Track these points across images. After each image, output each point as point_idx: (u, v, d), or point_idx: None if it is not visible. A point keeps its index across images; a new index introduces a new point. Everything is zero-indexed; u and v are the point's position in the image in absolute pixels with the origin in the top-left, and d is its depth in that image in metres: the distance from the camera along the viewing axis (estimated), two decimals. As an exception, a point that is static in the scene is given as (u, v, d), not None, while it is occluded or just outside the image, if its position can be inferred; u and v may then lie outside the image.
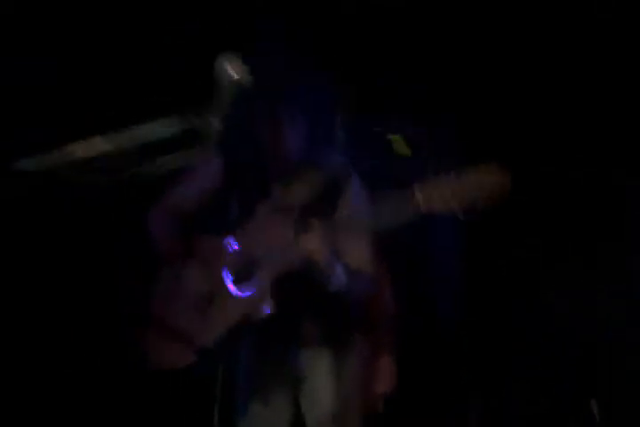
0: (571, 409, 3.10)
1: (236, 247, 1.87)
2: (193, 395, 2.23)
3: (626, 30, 2.94)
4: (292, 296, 1.79)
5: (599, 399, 2.99)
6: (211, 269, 1.86)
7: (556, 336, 3.20)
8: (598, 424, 2.95)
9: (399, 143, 3.16)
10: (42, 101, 2.40)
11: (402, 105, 3.23)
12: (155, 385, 2.13)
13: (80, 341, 2.48)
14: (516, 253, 3.32)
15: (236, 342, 1.88)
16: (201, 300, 1.85)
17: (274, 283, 1.74)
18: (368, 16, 2.99)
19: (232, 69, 1.02)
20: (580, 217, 3.22)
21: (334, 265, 1.73)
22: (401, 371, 2.30)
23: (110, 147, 0.79)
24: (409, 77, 3.19)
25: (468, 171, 1.54)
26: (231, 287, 1.82)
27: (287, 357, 1.95)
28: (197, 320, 1.82)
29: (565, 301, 3.16)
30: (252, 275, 1.77)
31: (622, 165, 3.16)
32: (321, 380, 1.95)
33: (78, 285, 2.54)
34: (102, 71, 2.47)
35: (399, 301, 2.35)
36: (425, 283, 3.23)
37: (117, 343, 2.45)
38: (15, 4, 2.31)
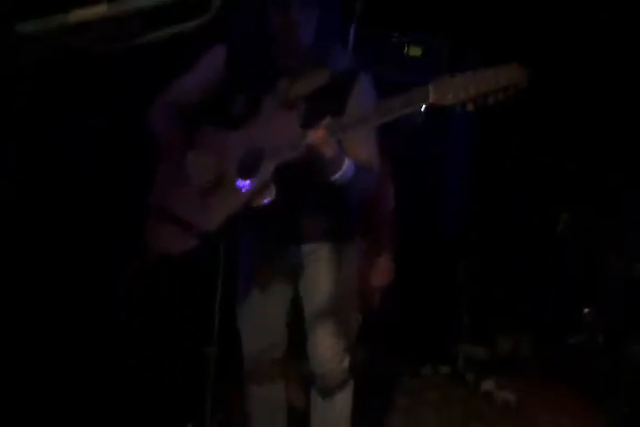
0: (565, 318, 3.22)
1: (241, 139, 1.88)
2: (195, 283, 2.31)
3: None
4: (295, 188, 1.81)
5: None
6: (214, 159, 1.87)
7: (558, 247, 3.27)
8: (592, 334, 3.07)
9: (412, 46, 3.09)
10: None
11: (419, 18, 3.14)
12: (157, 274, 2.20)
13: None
14: (525, 156, 3.33)
15: (237, 229, 1.93)
16: (203, 188, 1.87)
17: (277, 174, 1.76)
18: None
19: None
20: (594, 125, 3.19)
21: (342, 159, 1.72)
22: (400, 269, 2.38)
23: (112, 12, 0.79)
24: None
25: (485, 68, 1.50)
26: (234, 177, 1.84)
27: (288, 246, 2.00)
28: (200, 208, 1.86)
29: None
30: (256, 167, 1.78)
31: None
32: (320, 270, 2.01)
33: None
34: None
35: (401, 200, 2.39)
36: (430, 183, 3.25)
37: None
38: None
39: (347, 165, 1.73)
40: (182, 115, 2.00)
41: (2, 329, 2.24)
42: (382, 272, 2.34)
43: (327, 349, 2.05)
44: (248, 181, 1.79)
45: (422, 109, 1.58)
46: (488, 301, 3.35)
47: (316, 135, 1.64)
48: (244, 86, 1.93)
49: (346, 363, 2.09)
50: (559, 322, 3.24)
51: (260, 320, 2.09)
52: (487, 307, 3.34)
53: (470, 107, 1.52)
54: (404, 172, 2.47)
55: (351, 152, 1.80)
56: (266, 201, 1.76)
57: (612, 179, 3.20)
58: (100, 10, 0.85)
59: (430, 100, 1.54)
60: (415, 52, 3.07)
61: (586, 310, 3.19)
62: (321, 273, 2.02)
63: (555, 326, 3.25)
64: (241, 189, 1.80)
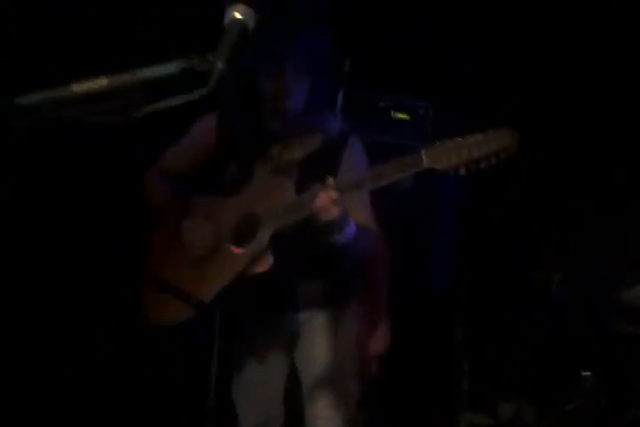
0: (563, 377, 3.16)
1: (235, 206, 1.87)
2: (190, 351, 2.25)
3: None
4: (292, 255, 1.79)
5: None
6: (209, 227, 1.86)
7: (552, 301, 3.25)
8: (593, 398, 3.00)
9: (398, 111, 3.16)
10: (48, 40, 2.40)
11: (404, 79, 3.23)
12: (152, 341, 2.15)
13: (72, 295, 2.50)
14: (517, 217, 3.35)
15: (233, 298, 1.89)
16: (199, 257, 1.85)
17: (273, 241, 1.74)
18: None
19: (238, 10, 1.01)
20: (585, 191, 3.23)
21: (347, 218, 1.70)
22: (395, 333, 2.33)
23: (112, 86, 0.79)
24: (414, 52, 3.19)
25: (475, 133, 1.52)
26: (230, 245, 1.82)
27: (284, 315, 1.96)
28: (195, 277, 1.83)
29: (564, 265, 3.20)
30: (252, 234, 1.77)
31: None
32: (317, 339, 1.96)
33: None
34: (108, 12, 2.46)
35: (396, 263, 2.36)
36: (422, 246, 3.25)
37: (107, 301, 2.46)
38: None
39: (349, 225, 1.72)
40: (175, 184, 1.99)
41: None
42: (380, 339, 2.28)
43: (327, 421, 1.96)
44: (244, 250, 1.76)
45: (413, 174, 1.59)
46: (486, 365, 3.28)
47: (327, 195, 1.63)
48: (235, 153, 1.94)
49: (346, 437, 2.00)
50: (560, 386, 3.17)
51: (257, 393, 2.02)
52: (486, 372, 3.26)
53: (462, 171, 1.53)
54: (392, 234, 2.46)
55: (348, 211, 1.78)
56: (264, 269, 1.73)
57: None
58: (100, 83, 0.84)
59: (424, 165, 1.55)
60: (401, 116, 3.13)
61: (585, 374, 3.13)
62: (318, 342, 1.97)
63: (556, 390, 3.18)
64: (237, 257, 1.77)
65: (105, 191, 2.55)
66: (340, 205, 1.64)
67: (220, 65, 0.91)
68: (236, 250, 1.79)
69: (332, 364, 1.95)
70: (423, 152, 1.55)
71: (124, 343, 2.32)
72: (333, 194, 1.62)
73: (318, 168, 1.85)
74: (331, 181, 1.66)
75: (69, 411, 2.39)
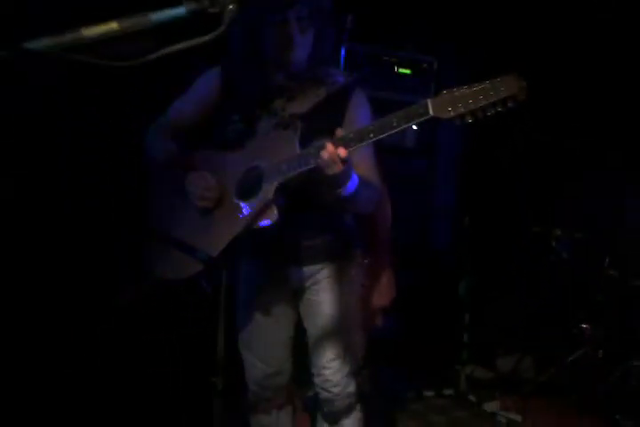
0: (562, 330, 3.20)
1: (240, 160, 1.85)
2: (197, 305, 2.28)
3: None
4: (296, 208, 1.79)
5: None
6: (214, 180, 1.85)
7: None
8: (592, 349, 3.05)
9: (402, 66, 3.12)
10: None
11: (407, 35, 3.18)
12: (158, 294, 2.17)
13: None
14: (519, 173, 3.35)
15: (239, 251, 1.90)
16: (204, 210, 1.85)
17: (278, 195, 1.73)
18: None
19: None
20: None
21: (351, 171, 1.68)
22: (398, 287, 2.35)
23: (123, 30, 0.77)
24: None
25: (482, 81, 1.50)
26: (235, 198, 1.82)
27: (288, 268, 1.97)
28: (201, 231, 1.83)
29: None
30: (256, 188, 1.76)
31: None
32: (321, 292, 1.97)
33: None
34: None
35: (399, 217, 2.37)
36: (425, 200, 3.25)
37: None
38: None
39: (352, 179, 1.71)
40: (179, 138, 1.97)
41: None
42: (384, 291, 2.30)
43: (333, 373, 2.00)
44: (248, 203, 1.76)
45: (416, 128, 1.57)
46: (487, 318, 3.33)
47: (334, 150, 1.61)
48: (239, 107, 1.92)
49: (352, 387, 2.04)
50: (560, 339, 3.22)
51: (264, 346, 2.04)
52: (487, 325, 3.31)
53: (469, 119, 1.51)
54: (396, 188, 2.46)
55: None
56: (267, 223, 1.73)
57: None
58: (111, 26, 0.83)
59: (431, 113, 1.53)
60: (404, 71, 3.10)
61: (584, 326, 3.17)
62: (322, 295, 1.98)
63: (555, 343, 3.23)
64: (242, 212, 1.76)
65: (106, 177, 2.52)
66: (346, 160, 1.62)
67: (231, 6, 0.89)
68: (241, 203, 1.79)
69: (336, 316, 1.97)
70: (429, 101, 1.53)
71: (129, 299, 2.33)
72: (341, 150, 1.61)
73: (323, 120, 1.83)
74: (339, 132, 1.64)
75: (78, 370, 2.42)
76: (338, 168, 1.62)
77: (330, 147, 1.61)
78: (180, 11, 0.88)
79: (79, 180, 2.51)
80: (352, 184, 1.70)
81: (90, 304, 2.49)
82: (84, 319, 2.47)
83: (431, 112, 1.53)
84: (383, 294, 2.30)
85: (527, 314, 3.36)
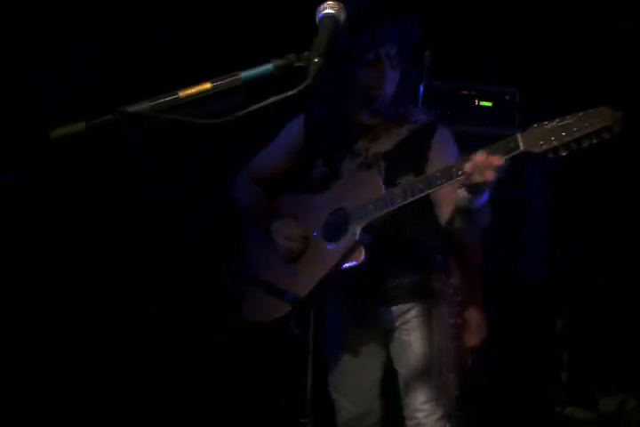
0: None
1: (324, 203, 1.88)
2: (287, 346, 2.29)
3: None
4: (383, 248, 1.79)
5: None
6: (299, 225, 1.88)
7: None
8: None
9: (482, 99, 3.09)
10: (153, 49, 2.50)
11: (488, 70, 3.16)
12: (250, 336, 2.20)
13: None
14: (611, 204, 3.22)
15: (327, 294, 1.90)
16: (292, 254, 1.87)
17: (364, 235, 1.74)
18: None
19: (329, 6, 1.02)
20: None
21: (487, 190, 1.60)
22: (492, 324, 2.28)
23: (216, 89, 0.81)
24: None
25: (575, 113, 1.46)
26: (321, 241, 1.84)
27: (378, 309, 1.96)
28: (289, 274, 1.86)
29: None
30: (342, 229, 1.77)
31: None
32: (412, 332, 1.95)
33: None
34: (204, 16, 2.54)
35: (491, 258, 2.32)
36: (516, 235, 3.17)
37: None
38: None
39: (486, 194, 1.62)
40: (265, 185, 2.03)
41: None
42: (476, 330, 2.24)
43: (426, 416, 1.95)
44: (335, 245, 1.77)
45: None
46: (587, 356, 3.17)
47: (482, 159, 1.51)
48: (323, 151, 1.95)
49: (446, 431, 1.98)
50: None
51: (353, 387, 2.03)
52: (587, 363, 3.15)
53: (563, 152, 1.47)
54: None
55: (442, 200, 1.76)
56: (355, 263, 1.73)
57: None
58: (205, 87, 0.87)
59: (521, 148, 1.49)
60: (485, 103, 3.06)
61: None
62: (413, 335, 1.96)
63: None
64: (328, 254, 1.78)
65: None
66: (498, 171, 1.52)
67: (316, 59, 0.92)
68: (328, 245, 1.81)
69: (428, 357, 1.94)
70: (519, 136, 1.50)
71: (222, 341, 2.38)
72: (494, 159, 1.50)
73: (406, 159, 1.84)
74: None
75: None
76: (491, 175, 1.51)
77: (480, 155, 1.52)
78: (268, 67, 0.91)
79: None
80: (486, 196, 1.62)
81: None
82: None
83: (522, 146, 1.49)
84: (474, 334, 2.23)
85: (630, 351, 3.18)
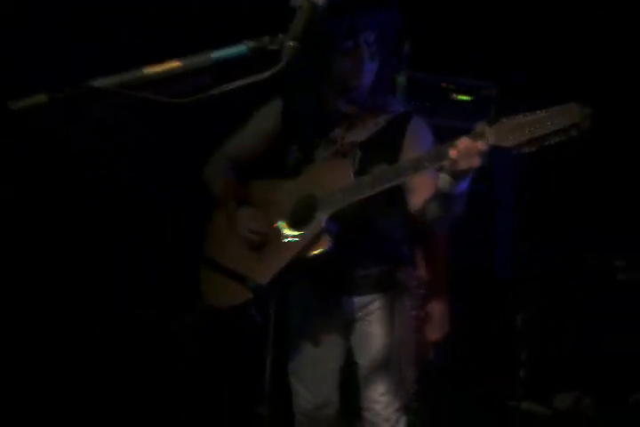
0: (625, 367, 3.06)
1: (294, 189, 1.86)
2: (246, 333, 2.28)
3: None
4: (351, 237, 1.77)
5: None
6: (266, 211, 1.86)
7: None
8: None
9: (460, 92, 3.08)
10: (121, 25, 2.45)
11: (466, 61, 3.15)
12: (208, 321, 2.18)
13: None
14: (578, 202, 3.24)
15: (290, 281, 1.89)
16: (257, 240, 1.85)
17: (331, 224, 1.72)
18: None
19: None
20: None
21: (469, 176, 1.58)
22: (454, 319, 2.29)
23: (185, 68, 0.78)
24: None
25: (543, 109, 1.45)
26: (288, 227, 1.81)
27: (341, 298, 1.95)
28: (252, 259, 1.84)
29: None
30: (309, 217, 1.76)
31: None
32: (373, 324, 1.94)
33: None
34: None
35: (456, 247, 2.32)
36: (484, 231, 3.18)
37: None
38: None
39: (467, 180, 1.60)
40: (238, 168, 2.00)
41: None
42: (438, 325, 2.24)
43: (384, 407, 1.95)
44: (300, 232, 1.75)
45: None
46: (545, 353, 3.21)
47: (473, 143, 1.50)
48: (299, 137, 1.93)
49: (402, 423, 1.99)
50: (622, 376, 3.08)
51: (313, 375, 2.01)
52: (545, 360, 3.19)
53: (529, 149, 1.47)
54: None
55: (413, 188, 1.76)
56: (320, 252, 1.72)
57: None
58: (172, 65, 0.84)
59: (490, 142, 1.49)
60: (463, 97, 3.05)
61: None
62: (375, 327, 1.95)
63: (618, 381, 3.09)
64: (293, 241, 1.75)
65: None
66: (483, 157, 1.51)
67: (291, 43, 0.89)
68: (293, 232, 1.78)
69: (388, 349, 1.94)
70: (488, 129, 1.49)
71: (183, 324, 2.36)
72: (481, 144, 1.49)
73: (381, 149, 1.83)
74: (481, 128, 1.52)
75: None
76: (476, 162, 1.50)
77: (465, 141, 1.50)
78: (241, 48, 0.88)
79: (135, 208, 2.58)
80: (467, 182, 1.60)
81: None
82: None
83: (490, 141, 1.49)
84: (437, 328, 2.23)
85: (587, 349, 3.23)
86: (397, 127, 1.86)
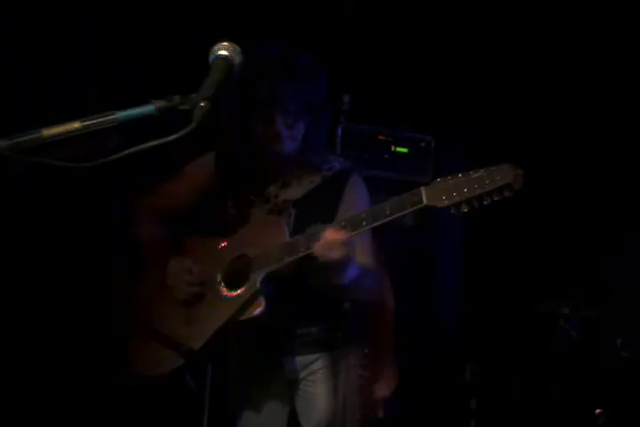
0: (574, 415, 3.04)
1: (228, 248, 1.80)
2: (180, 401, 2.17)
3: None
4: (287, 298, 1.73)
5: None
6: (198, 268, 1.80)
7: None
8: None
9: (399, 145, 3.12)
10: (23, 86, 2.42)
11: (405, 113, 3.22)
12: (141, 391, 2.07)
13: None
14: (522, 251, 3.28)
15: (226, 344, 1.81)
16: (187, 301, 1.79)
17: (265, 284, 1.68)
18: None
19: (223, 47, 0.97)
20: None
21: (350, 259, 1.63)
22: (402, 374, 2.24)
23: (86, 129, 0.74)
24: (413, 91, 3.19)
25: (477, 169, 1.47)
26: (221, 288, 1.76)
27: (281, 359, 1.88)
28: (184, 321, 1.77)
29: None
30: (244, 276, 1.71)
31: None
32: (317, 384, 1.89)
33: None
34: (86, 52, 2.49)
35: (401, 305, 2.29)
36: (426, 282, 3.17)
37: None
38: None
39: (353, 267, 1.65)
40: (165, 221, 1.94)
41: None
42: (386, 381, 2.18)
43: (329, 470, 1.87)
44: (235, 294, 1.70)
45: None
46: (494, 404, 3.17)
47: (335, 234, 1.57)
48: (232, 193, 1.89)
49: (350, 488, 1.90)
50: (572, 425, 3.05)
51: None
52: (494, 411, 3.15)
53: (465, 208, 1.47)
54: (395, 272, 2.39)
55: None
56: (256, 313, 1.67)
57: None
58: (73, 126, 0.79)
59: (424, 202, 1.50)
60: (402, 149, 3.09)
61: (597, 411, 3.01)
62: (318, 387, 1.89)
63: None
64: (227, 303, 1.70)
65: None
66: (346, 246, 1.58)
67: (202, 103, 0.85)
68: (227, 293, 1.72)
69: (332, 410, 1.88)
70: (423, 190, 1.50)
71: (112, 393, 2.25)
72: (342, 233, 1.56)
73: (317, 207, 1.81)
74: (342, 222, 1.60)
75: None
76: (336, 255, 1.57)
77: (330, 231, 1.57)
78: (149, 108, 0.84)
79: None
80: (353, 271, 1.65)
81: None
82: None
83: (425, 201, 1.50)
84: (384, 384, 2.17)
85: (536, 398, 3.20)
86: (334, 186, 1.85)
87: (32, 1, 2.52)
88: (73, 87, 2.55)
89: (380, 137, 3.06)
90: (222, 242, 1.82)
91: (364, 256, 1.77)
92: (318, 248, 1.58)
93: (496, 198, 1.45)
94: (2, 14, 2.45)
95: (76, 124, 0.79)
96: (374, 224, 1.56)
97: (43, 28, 2.53)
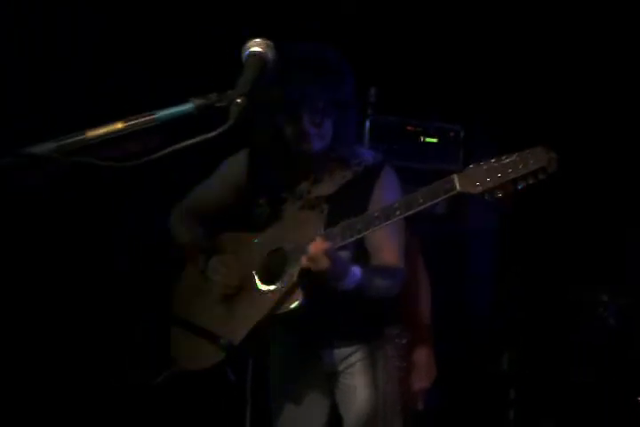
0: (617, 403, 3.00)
1: (264, 243, 1.82)
2: (222, 395, 2.19)
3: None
4: (322, 291, 1.72)
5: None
6: (236, 265, 1.82)
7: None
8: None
9: (427, 135, 3.11)
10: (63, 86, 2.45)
11: (433, 103, 3.20)
12: (183, 385, 2.10)
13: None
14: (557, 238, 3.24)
15: (265, 338, 1.84)
16: (227, 296, 1.81)
17: (303, 278, 1.68)
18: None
19: (256, 44, 0.97)
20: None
21: (343, 269, 1.66)
22: (440, 365, 2.23)
23: (128, 130, 0.75)
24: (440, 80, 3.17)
25: (510, 154, 1.45)
26: (259, 282, 1.77)
27: (320, 352, 1.90)
28: (224, 317, 1.79)
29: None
30: (280, 271, 1.72)
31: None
32: (356, 376, 1.89)
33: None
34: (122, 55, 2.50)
35: (435, 293, 2.28)
36: (460, 275, 3.16)
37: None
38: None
39: (350, 273, 1.66)
40: (203, 222, 1.96)
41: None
42: (425, 372, 2.17)
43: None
44: (273, 287, 1.71)
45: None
46: (534, 393, 3.14)
47: (316, 247, 1.59)
48: (266, 191, 1.91)
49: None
50: (615, 413, 3.01)
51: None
52: (534, 400, 3.12)
53: (499, 194, 1.46)
54: (429, 261, 2.38)
55: (373, 249, 1.77)
56: (293, 306, 1.68)
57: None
58: (115, 127, 0.81)
59: (457, 189, 1.49)
60: (430, 139, 3.07)
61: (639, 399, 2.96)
62: (357, 379, 1.90)
63: (609, 417, 3.02)
64: (265, 296, 1.71)
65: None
66: (332, 256, 1.59)
67: (239, 99, 0.86)
68: (265, 287, 1.74)
69: (373, 402, 1.89)
70: (455, 177, 1.49)
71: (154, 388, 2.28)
72: (326, 245, 1.58)
73: (350, 202, 1.81)
74: (321, 232, 1.63)
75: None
76: (324, 264, 1.59)
77: (315, 243, 1.59)
78: (187, 107, 0.86)
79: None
80: (351, 279, 1.67)
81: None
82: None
83: (458, 187, 1.49)
84: (423, 375, 2.17)
85: (575, 388, 3.17)
86: (366, 180, 1.85)
87: (32, 1, 2.53)
88: (73, 87, 2.57)
89: (409, 128, 3.05)
90: (257, 238, 1.84)
91: (389, 251, 1.79)
92: (304, 261, 1.60)
93: (531, 182, 1.43)
94: (2, 14, 2.46)
95: (119, 125, 0.81)
96: (408, 213, 1.55)
97: (43, 28, 2.54)
